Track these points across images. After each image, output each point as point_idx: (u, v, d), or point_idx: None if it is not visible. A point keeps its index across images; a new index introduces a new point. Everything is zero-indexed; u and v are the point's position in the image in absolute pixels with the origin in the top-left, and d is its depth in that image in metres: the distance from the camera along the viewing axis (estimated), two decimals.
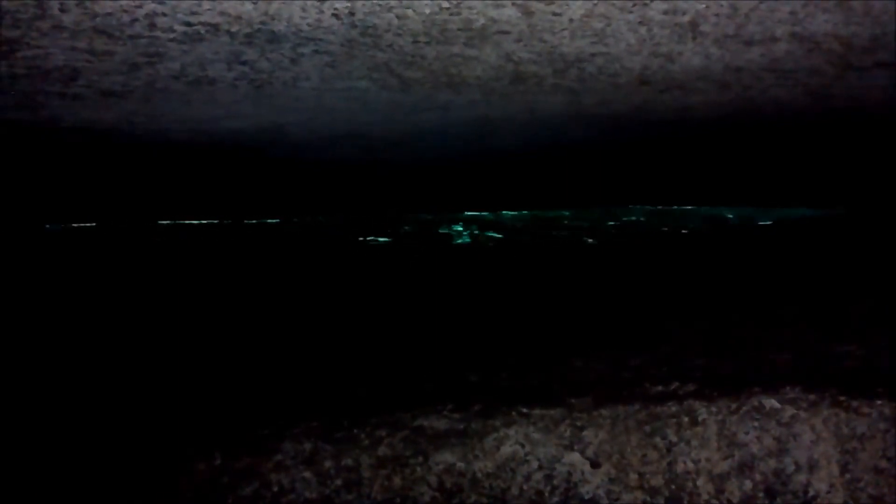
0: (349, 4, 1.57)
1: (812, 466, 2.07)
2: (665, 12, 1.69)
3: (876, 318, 2.70)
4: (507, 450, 2.09)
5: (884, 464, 2.06)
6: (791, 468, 2.07)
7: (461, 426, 2.12)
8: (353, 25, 1.68)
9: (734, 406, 2.12)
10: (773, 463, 2.08)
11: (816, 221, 5.05)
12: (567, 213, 5.30)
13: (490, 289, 3.62)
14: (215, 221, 4.77)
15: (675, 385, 2.22)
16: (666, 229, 5.02)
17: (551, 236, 4.88)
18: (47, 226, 4.43)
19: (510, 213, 5.27)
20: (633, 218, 5.26)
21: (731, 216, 5.24)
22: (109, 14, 1.56)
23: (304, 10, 1.59)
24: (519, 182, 4.49)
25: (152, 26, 1.63)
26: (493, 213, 5.22)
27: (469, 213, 5.16)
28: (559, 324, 2.94)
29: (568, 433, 2.10)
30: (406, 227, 4.91)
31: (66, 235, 4.47)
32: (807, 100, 2.49)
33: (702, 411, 2.11)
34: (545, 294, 3.48)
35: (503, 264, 4.28)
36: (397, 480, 2.06)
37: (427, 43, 1.82)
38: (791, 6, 1.69)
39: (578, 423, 2.11)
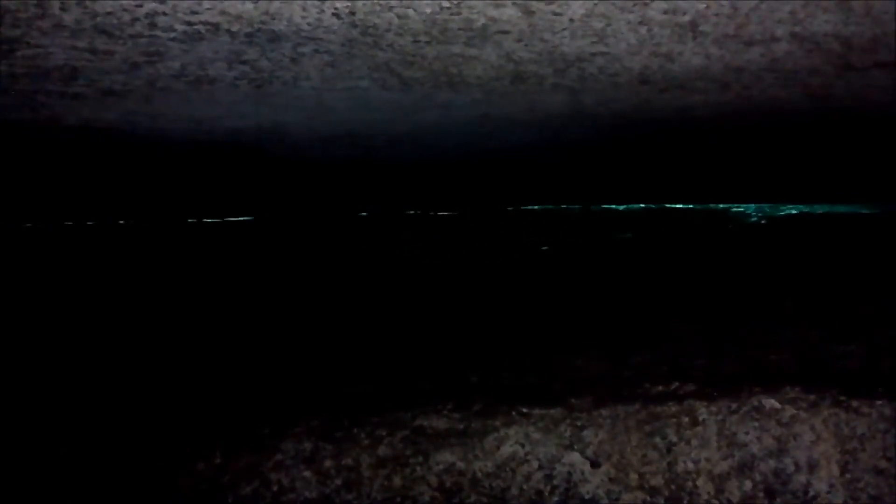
0: (350, 4, 1.57)
1: (812, 466, 2.07)
2: (665, 12, 1.69)
3: (877, 319, 2.70)
4: (507, 449, 2.09)
5: (884, 464, 2.06)
6: (791, 468, 2.08)
7: (461, 426, 2.12)
8: (354, 25, 1.68)
9: (734, 406, 2.12)
10: (773, 463, 2.08)
11: (818, 220, 5.05)
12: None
13: (489, 288, 3.62)
14: (215, 220, 4.77)
15: (675, 385, 2.23)
16: (665, 229, 5.02)
17: (553, 236, 4.88)
18: (47, 225, 4.43)
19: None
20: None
21: (731, 214, 5.24)
22: (110, 13, 1.56)
23: (304, 9, 1.59)
24: (519, 181, 4.49)
25: (153, 26, 1.63)
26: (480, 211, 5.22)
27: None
28: (559, 323, 2.94)
29: (568, 433, 2.10)
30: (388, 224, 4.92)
31: (66, 234, 4.47)
32: (807, 100, 2.49)
33: (702, 411, 2.12)
34: (545, 293, 3.48)
35: (502, 263, 4.28)
36: (397, 480, 2.06)
37: (428, 42, 1.82)
38: (791, 6, 1.69)
39: (578, 423, 2.11)
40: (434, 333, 2.87)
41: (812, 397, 2.13)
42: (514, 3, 1.61)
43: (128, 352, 2.75)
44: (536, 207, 5.21)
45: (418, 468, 2.07)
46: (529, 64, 2.02)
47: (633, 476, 2.08)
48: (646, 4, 1.64)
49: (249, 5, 1.56)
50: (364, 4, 1.58)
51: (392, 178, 4.17)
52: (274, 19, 1.63)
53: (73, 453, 2.10)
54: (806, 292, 3.19)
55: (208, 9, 1.56)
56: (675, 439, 2.10)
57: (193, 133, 2.70)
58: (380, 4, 1.58)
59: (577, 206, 5.26)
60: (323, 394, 2.32)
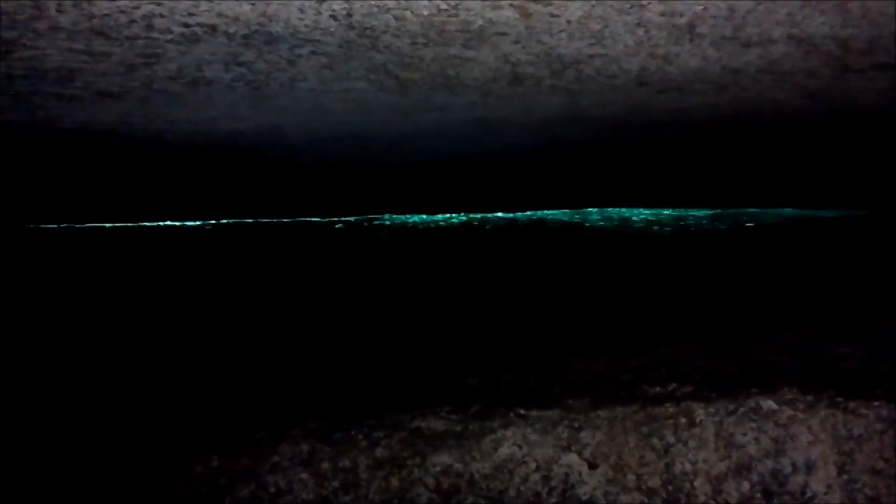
0: (347, 6, 1.57)
1: (809, 467, 2.07)
2: (662, 14, 1.69)
3: (874, 320, 2.70)
4: (504, 451, 2.09)
5: (881, 465, 2.06)
6: (788, 469, 2.08)
7: (459, 427, 2.12)
8: (351, 27, 1.68)
9: (732, 407, 2.12)
10: (770, 464, 2.08)
11: (816, 223, 5.05)
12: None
13: (487, 290, 3.62)
14: (212, 222, 4.77)
15: (673, 386, 2.22)
16: (661, 230, 5.03)
17: (551, 238, 4.88)
18: (45, 226, 4.43)
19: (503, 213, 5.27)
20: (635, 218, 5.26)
21: (727, 217, 5.25)
22: (107, 15, 1.56)
23: (301, 11, 1.59)
24: (517, 183, 4.49)
25: (150, 27, 1.63)
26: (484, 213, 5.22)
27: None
28: (558, 325, 2.94)
29: (565, 434, 2.10)
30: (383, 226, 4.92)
31: (65, 235, 4.47)
32: (804, 101, 2.49)
33: (699, 412, 2.12)
34: (543, 294, 3.48)
35: (500, 265, 4.28)
36: (395, 482, 2.06)
37: (425, 44, 1.82)
38: (788, 8, 1.69)
39: (576, 425, 2.11)
40: (432, 334, 2.86)
41: (809, 398, 2.13)
42: (511, 5, 1.61)
43: (127, 353, 2.75)
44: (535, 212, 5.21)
45: (416, 470, 2.07)
46: (527, 66, 2.02)
47: (631, 477, 2.08)
48: (643, 6, 1.64)
49: (246, 7, 1.56)
50: (361, 6, 1.58)
51: (389, 180, 4.17)
52: (271, 21, 1.63)
53: (73, 453, 2.09)
54: (804, 294, 3.19)
55: (205, 11, 1.56)
56: (672, 440, 2.09)
57: (191, 135, 2.70)
58: (377, 6, 1.58)
59: (573, 208, 5.26)
60: (320, 396, 2.32)
